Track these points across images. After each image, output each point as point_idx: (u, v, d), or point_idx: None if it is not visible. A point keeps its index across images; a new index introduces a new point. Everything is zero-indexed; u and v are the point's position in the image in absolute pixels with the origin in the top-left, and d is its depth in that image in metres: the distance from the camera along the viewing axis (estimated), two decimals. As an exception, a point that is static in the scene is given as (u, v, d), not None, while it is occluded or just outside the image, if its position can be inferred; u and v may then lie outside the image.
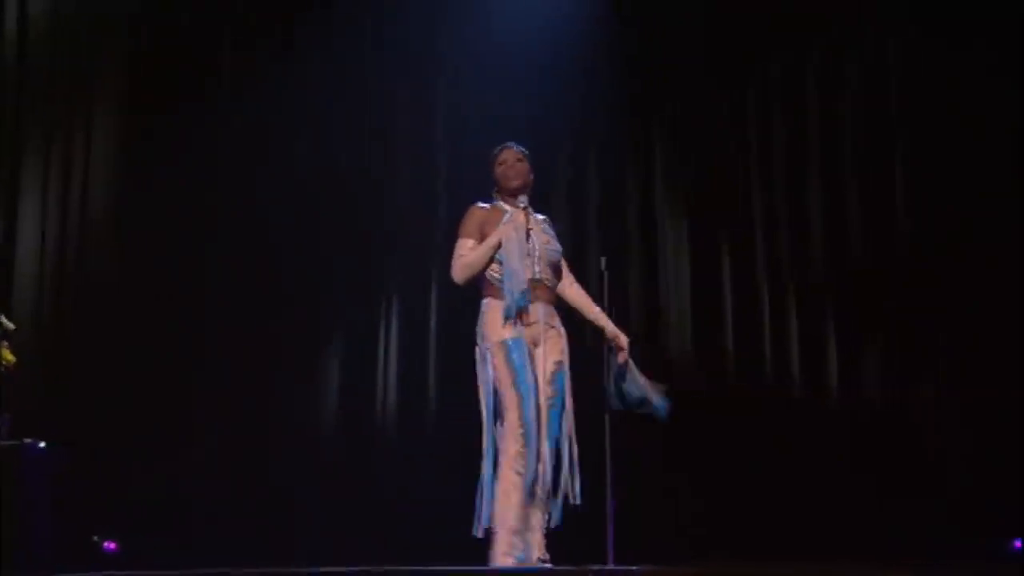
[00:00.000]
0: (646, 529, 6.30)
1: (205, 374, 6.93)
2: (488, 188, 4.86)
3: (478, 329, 4.71)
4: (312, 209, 7.25)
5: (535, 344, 4.62)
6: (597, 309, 4.88)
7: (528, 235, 4.63)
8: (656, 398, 4.80)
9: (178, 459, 6.65)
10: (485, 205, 4.79)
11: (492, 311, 4.65)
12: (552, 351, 4.65)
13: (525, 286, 4.57)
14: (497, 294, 4.65)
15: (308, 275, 7.18)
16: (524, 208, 4.69)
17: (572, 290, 4.91)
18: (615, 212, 7.07)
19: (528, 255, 4.62)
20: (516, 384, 4.50)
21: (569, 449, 4.70)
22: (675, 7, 7.35)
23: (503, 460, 4.51)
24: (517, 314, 4.59)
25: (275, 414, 6.90)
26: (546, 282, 4.73)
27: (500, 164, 4.80)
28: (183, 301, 6.93)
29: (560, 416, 4.61)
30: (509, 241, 4.59)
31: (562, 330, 4.78)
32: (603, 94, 7.39)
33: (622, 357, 4.78)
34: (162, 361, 6.75)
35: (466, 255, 4.67)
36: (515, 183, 4.75)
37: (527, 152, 4.83)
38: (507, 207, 4.76)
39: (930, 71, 7.21)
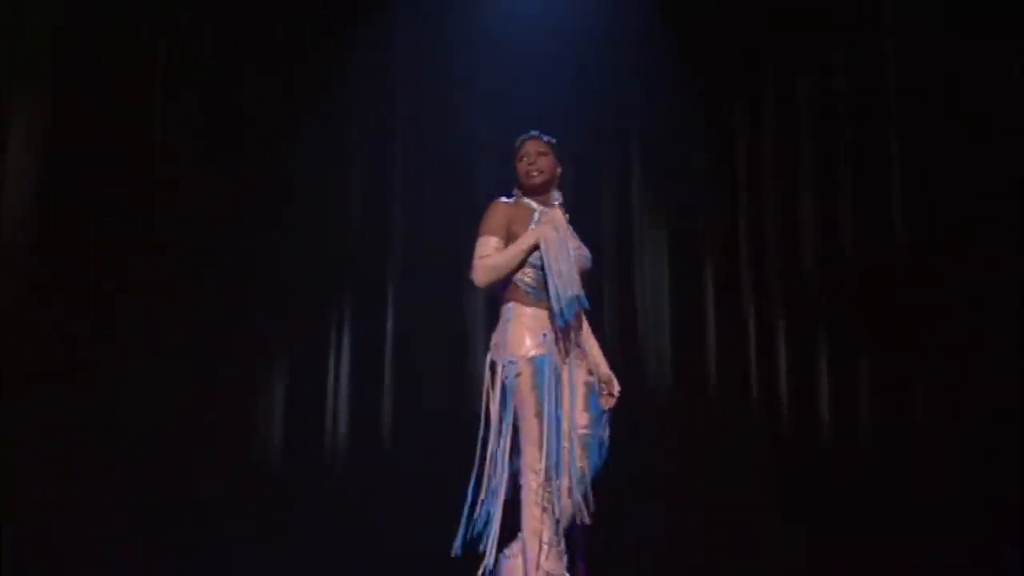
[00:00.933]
0: (618, 554, 5.81)
1: (128, 401, 6.27)
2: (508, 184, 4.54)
3: (496, 338, 4.32)
4: (254, 219, 6.72)
5: (563, 363, 4.28)
6: (594, 340, 4.55)
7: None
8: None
9: (94, 496, 6.06)
10: (509, 200, 4.45)
11: (518, 319, 4.28)
12: (580, 370, 4.33)
13: (577, 292, 4.20)
14: (526, 300, 4.30)
15: (249, 292, 6.63)
16: (559, 205, 4.38)
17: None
18: (590, 215, 6.55)
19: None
20: (540, 413, 4.13)
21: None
22: (654, 11, 6.99)
23: (525, 496, 4.15)
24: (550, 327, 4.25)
25: (208, 448, 6.34)
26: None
27: (520, 159, 4.48)
28: (106, 321, 6.32)
29: (600, 448, 4.28)
30: (549, 242, 4.23)
31: (592, 346, 4.49)
32: (579, 93, 6.96)
33: (607, 403, 4.39)
34: (81, 387, 6.12)
35: (492, 256, 4.29)
36: (536, 179, 4.42)
37: (554, 142, 4.51)
38: (534, 204, 4.43)
39: (928, 71, 6.81)
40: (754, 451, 6.48)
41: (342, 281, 6.72)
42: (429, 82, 6.80)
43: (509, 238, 4.35)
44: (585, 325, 4.49)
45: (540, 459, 4.10)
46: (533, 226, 4.34)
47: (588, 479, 4.21)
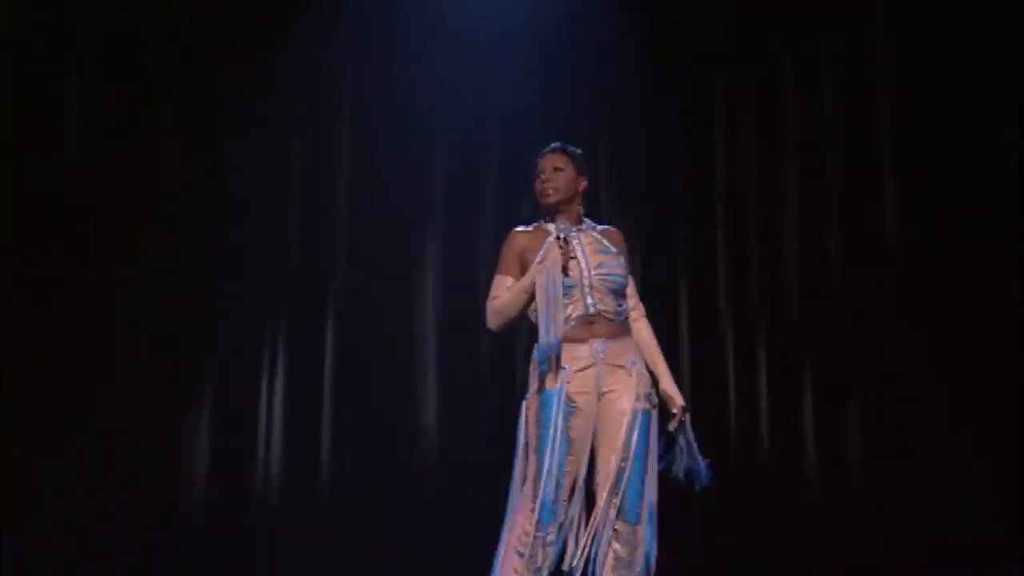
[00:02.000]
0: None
1: (36, 430, 5.85)
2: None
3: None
4: (179, 228, 6.30)
5: (594, 394, 4.05)
6: (660, 357, 4.27)
7: (566, 267, 4.04)
8: (702, 463, 4.16)
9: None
10: (526, 228, 4.27)
11: (546, 352, 4.09)
12: (619, 399, 4.06)
13: (555, 338, 4.01)
14: None
15: (170, 308, 6.17)
16: (559, 238, 4.09)
17: (633, 328, 4.28)
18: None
19: (577, 286, 4.07)
20: (540, 449, 3.99)
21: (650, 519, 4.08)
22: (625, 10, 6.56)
23: (506, 535, 4.03)
24: (559, 360, 4.06)
25: (127, 478, 5.93)
26: (606, 314, 4.13)
27: (536, 176, 4.26)
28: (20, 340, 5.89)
29: (641, 489, 4.03)
30: (540, 283, 4.04)
31: (638, 368, 4.15)
32: (543, 90, 6.58)
33: (673, 424, 4.15)
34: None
35: (499, 297, 4.14)
36: (551, 199, 4.20)
37: (577, 153, 4.25)
38: (553, 228, 4.20)
39: (923, 67, 6.43)
40: (737, 484, 6.09)
41: (277, 295, 6.34)
42: (378, 76, 6.49)
43: (525, 270, 4.18)
44: (646, 337, 4.27)
45: (533, 499, 3.96)
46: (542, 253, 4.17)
47: (626, 520, 4.03)
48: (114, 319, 6.01)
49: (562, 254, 4.06)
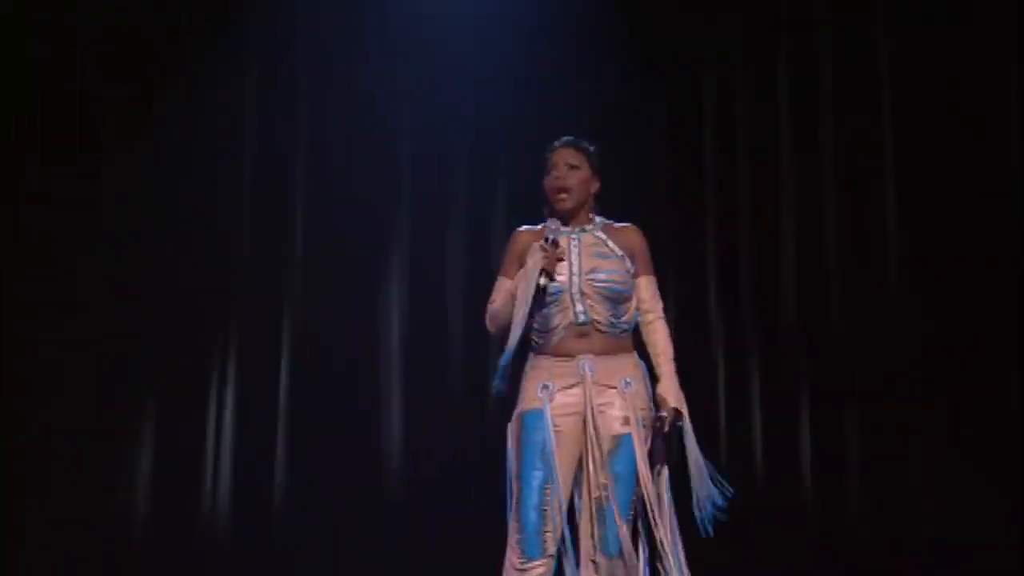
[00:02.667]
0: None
1: None
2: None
3: None
4: (116, 232, 6.11)
5: (580, 416, 3.89)
6: (666, 358, 4.00)
7: (551, 272, 3.87)
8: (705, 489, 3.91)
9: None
10: (532, 227, 4.08)
11: (529, 371, 3.99)
12: (608, 422, 3.87)
13: (510, 346, 3.88)
14: (535, 346, 4.00)
15: (110, 321, 5.97)
16: (545, 240, 3.90)
17: (644, 331, 4.06)
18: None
19: (566, 292, 3.90)
20: (520, 475, 3.85)
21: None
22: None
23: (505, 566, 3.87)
24: (549, 377, 3.92)
25: (63, 504, 5.76)
26: (599, 325, 3.93)
27: (548, 172, 4.06)
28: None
29: (625, 519, 3.83)
30: (520, 288, 3.90)
31: (632, 389, 3.94)
32: (516, 86, 6.32)
33: (657, 427, 3.92)
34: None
35: (495, 302, 4.01)
36: (566, 204, 4.01)
37: (592, 150, 4.06)
38: (561, 229, 4.01)
39: (926, 60, 6.22)
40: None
41: (226, 305, 6.15)
42: (338, 67, 6.30)
43: None
44: (657, 338, 4.02)
45: (517, 530, 3.83)
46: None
47: (606, 553, 3.83)
48: (53, 323, 5.89)
49: (545, 258, 3.87)
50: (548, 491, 3.81)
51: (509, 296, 3.93)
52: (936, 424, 5.93)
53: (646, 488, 3.84)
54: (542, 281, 3.84)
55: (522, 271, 3.93)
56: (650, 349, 4.02)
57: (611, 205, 5.93)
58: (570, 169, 4.02)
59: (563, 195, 4.00)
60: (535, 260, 3.88)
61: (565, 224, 4.00)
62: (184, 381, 6.03)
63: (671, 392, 3.92)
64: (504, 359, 3.87)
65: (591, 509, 3.83)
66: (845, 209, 6.22)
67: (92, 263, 5.97)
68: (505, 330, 3.95)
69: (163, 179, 6.09)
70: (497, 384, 3.90)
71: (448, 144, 6.27)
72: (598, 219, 4.10)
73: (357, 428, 6.00)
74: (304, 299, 6.13)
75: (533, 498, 3.81)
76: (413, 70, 6.27)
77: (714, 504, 3.90)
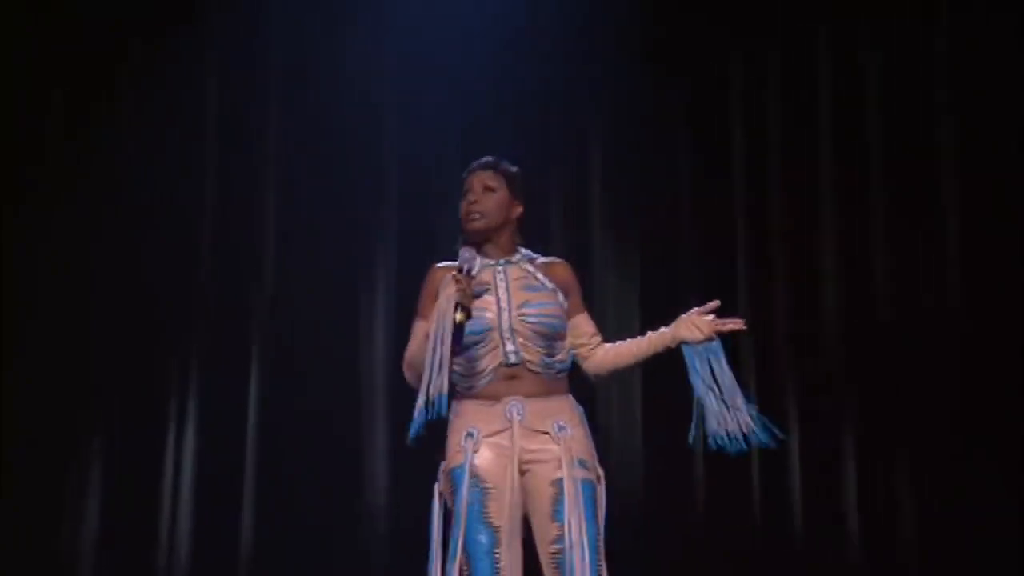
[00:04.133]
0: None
1: None
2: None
3: None
4: (60, 251, 5.87)
5: (510, 467, 3.76)
6: (638, 339, 3.88)
7: (468, 307, 3.71)
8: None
9: None
10: (449, 264, 3.96)
11: (454, 421, 3.85)
12: (543, 469, 3.74)
13: (435, 392, 3.67)
14: (457, 391, 3.87)
15: (54, 350, 5.73)
16: (460, 270, 3.79)
17: (602, 355, 3.91)
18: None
19: (495, 329, 3.79)
20: (466, 542, 3.69)
21: None
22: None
23: None
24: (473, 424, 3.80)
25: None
26: (531, 366, 3.80)
27: (463, 195, 3.99)
28: None
29: (593, 567, 3.67)
30: (434, 327, 3.76)
31: (567, 434, 3.78)
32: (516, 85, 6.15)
33: (717, 326, 3.75)
34: None
35: (410, 348, 3.90)
36: (476, 224, 3.94)
37: (513, 172, 3.99)
38: (476, 262, 3.91)
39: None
40: (750, 544, 5.80)
41: (187, 335, 5.90)
42: (313, 75, 6.10)
43: None
44: (613, 348, 3.91)
45: None
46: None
47: None
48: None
49: (460, 290, 3.71)
50: (498, 557, 3.66)
51: (423, 339, 3.76)
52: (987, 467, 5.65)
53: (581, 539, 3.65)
54: (458, 317, 3.67)
55: (435, 309, 3.75)
56: (615, 357, 3.90)
57: (629, 220, 6.01)
58: (485, 191, 3.94)
59: (476, 216, 3.91)
60: (447, 294, 3.70)
61: (482, 253, 3.93)
62: (137, 422, 5.77)
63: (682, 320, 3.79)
64: (418, 412, 3.64)
65: (551, 568, 3.70)
66: (895, 223, 5.96)
67: (38, 274, 5.79)
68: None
69: (115, 181, 5.89)
70: (412, 435, 3.68)
71: (439, 156, 5.99)
72: (523, 251, 4.01)
73: (336, 477, 5.74)
74: (274, 328, 5.91)
75: (484, 568, 3.65)
76: (400, 56, 6.05)
77: (744, 428, 3.72)
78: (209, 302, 5.88)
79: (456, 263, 3.89)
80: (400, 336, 5.42)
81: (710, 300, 3.83)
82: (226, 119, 6.01)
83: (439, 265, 3.97)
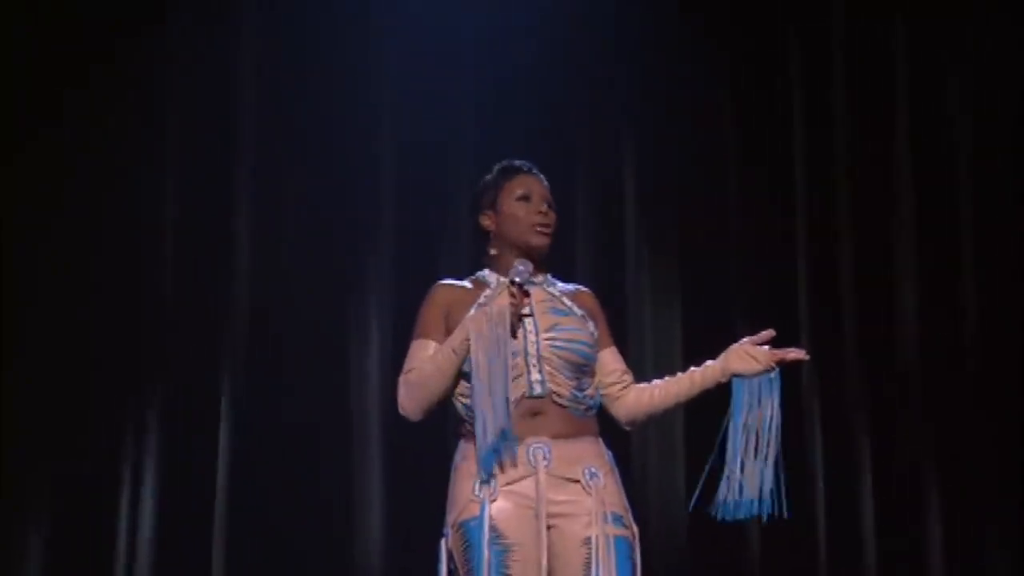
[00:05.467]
0: None
1: None
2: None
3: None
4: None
5: (534, 519, 3.41)
6: (680, 376, 3.56)
7: (515, 326, 3.38)
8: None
9: None
10: (457, 282, 3.66)
11: (461, 467, 3.50)
12: (573, 525, 3.39)
13: (504, 423, 3.31)
14: (467, 430, 3.51)
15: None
16: (515, 283, 3.42)
17: (636, 396, 3.57)
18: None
19: (520, 356, 3.43)
20: None
21: None
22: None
23: None
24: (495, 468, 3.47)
25: None
26: (559, 400, 3.45)
27: (517, 199, 3.60)
28: None
29: None
30: (479, 339, 3.38)
31: (599, 482, 3.44)
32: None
33: (777, 356, 3.43)
34: None
35: (416, 369, 3.54)
36: (544, 240, 3.61)
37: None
38: (492, 279, 3.62)
39: None
40: None
41: (146, 371, 5.32)
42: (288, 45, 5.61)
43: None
44: (648, 389, 3.62)
45: None
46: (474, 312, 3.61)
47: None
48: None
49: (512, 304, 3.42)
50: None
51: (446, 355, 3.45)
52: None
53: None
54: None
55: (473, 316, 3.44)
56: (652, 398, 3.59)
57: (669, 231, 5.54)
58: (543, 200, 3.68)
59: (545, 229, 3.62)
60: (500, 305, 3.37)
61: (504, 271, 3.65)
62: (88, 479, 5.18)
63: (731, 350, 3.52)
64: (501, 442, 3.33)
65: None
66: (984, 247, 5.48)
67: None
68: (433, 406, 3.54)
69: (70, 198, 5.35)
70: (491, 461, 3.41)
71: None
72: (547, 276, 3.77)
73: (319, 537, 5.24)
74: (246, 365, 5.36)
75: None
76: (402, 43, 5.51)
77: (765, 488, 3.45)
78: (167, 341, 5.26)
79: (461, 282, 3.65)
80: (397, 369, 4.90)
81: (763, 329, 3.52)
82: (192, 124, 5.44)
83: (444, 282, 3.68)
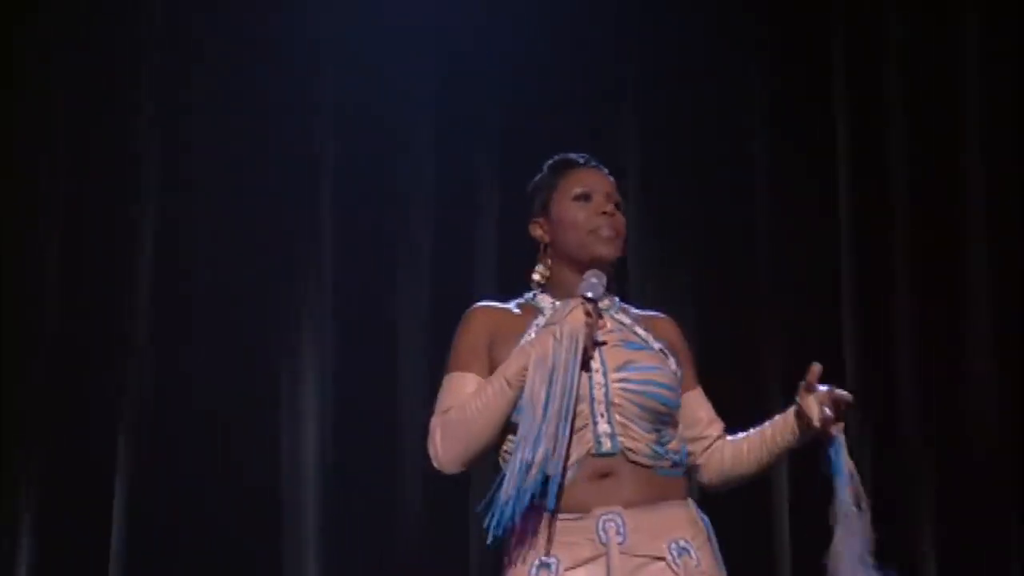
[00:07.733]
0: None
1: None
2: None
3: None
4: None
5: None
6: (759, 432, 3.06)
7: (589, 352, 2.89)
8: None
9: None
10: (500, 305, 3.12)
11: (509, 544, 2.96)
12: None
13: (553, 456, 2.84)
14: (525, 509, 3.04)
15: None
16: (586, 299, 2.90)
17: (720, 456, 3.09)
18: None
19: (585, 402, 2.89)
20: None
21: None
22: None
23: None
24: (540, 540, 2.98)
25: None
26: (634, 457, 2.91)
27: (570, 196, 3.08)
28: None
29: None
30: (540, 366, 2.87)
31: (691, 558, 2.89)
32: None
33: (821, 416, 2.91)
34: None
35: (456, 407, 2.97)
36: (613, 247, 3.07)
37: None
38: (546, 304, 3.07)
39: None
40: None
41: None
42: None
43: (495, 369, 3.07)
44: (733, 446, 3.10)
45: None
46: (530, 335, 3.00)
47: None
48: None
49: (587, 325, 2.91)
50: None
51: (498, 390, 2.95)
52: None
53: None
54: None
55: (536, 345, 2.96)
56: (736, 455, 3.14)
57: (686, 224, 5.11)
58: (609, 199, 3.17)
59: (612, 232, 3.11)
60: (574, 321, 2.93)
61: (565, 292, 3.17)
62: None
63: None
64: (531, 476, 2.84)
65: None
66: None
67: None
68: (478, 454, 3.01)
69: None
70: (496, 527, 2.85)
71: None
72: (617, 298, 3.34)
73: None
74: (151, 420, 4.66)
75: None
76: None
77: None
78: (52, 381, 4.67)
79: (504, 305, 3.20)
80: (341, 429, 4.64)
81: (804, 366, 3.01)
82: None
83: (483, 304, 3.22)
